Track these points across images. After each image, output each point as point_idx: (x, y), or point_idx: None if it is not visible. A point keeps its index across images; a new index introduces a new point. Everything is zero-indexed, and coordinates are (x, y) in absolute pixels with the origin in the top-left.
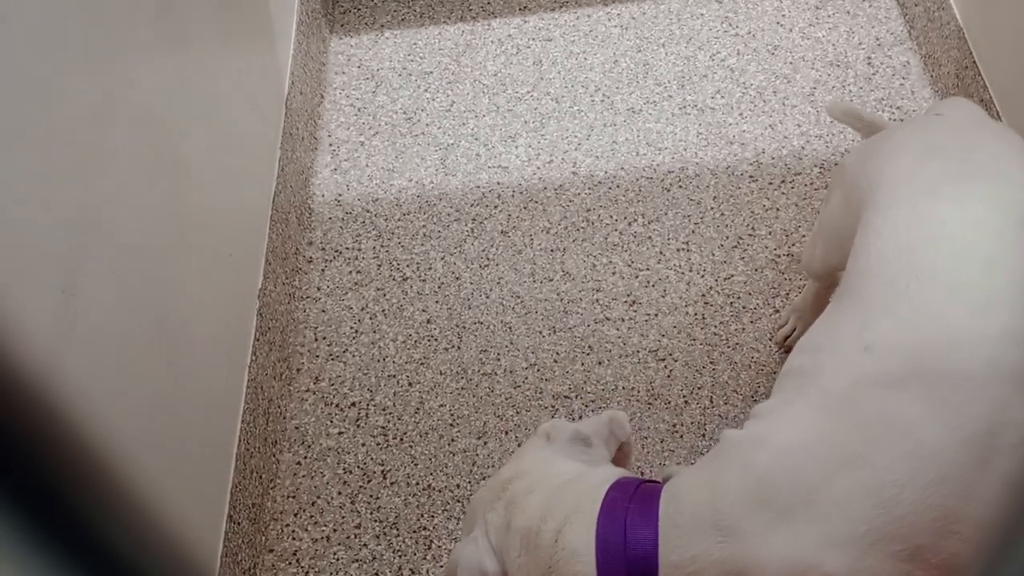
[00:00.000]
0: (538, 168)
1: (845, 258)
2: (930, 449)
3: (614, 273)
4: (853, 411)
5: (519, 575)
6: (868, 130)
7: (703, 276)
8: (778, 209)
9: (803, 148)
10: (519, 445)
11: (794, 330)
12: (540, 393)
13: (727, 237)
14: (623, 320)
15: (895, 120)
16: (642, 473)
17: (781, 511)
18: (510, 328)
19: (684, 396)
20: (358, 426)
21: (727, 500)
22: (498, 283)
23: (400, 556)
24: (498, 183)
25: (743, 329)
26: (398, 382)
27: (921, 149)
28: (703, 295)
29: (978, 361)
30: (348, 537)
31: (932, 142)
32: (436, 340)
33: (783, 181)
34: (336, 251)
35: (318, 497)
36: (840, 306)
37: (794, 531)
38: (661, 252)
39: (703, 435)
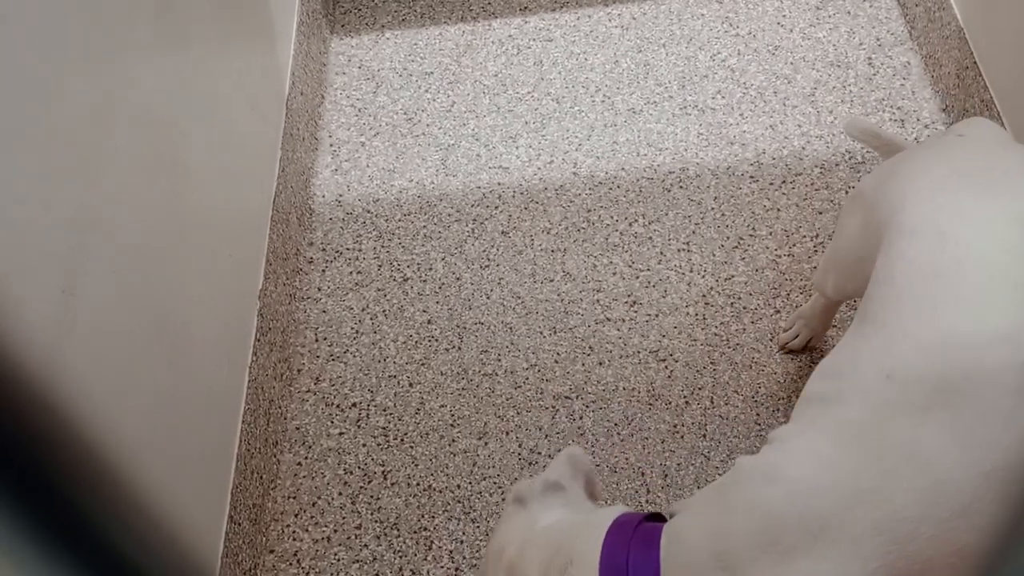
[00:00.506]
0: (539, 168)
1: (861, 284)
2: (950, 484)
3: (615, 274)
4: (871, 443)
5: None
6: (886, 149)
7: (704, 276)
8: (779, 209)
9: (804, 148)
10: (519, 446)
11: (796, 336)
12: (541, 393)
13: (728, 237)
14: (624, 320)
15: (903, 133)
16: (647, 491)
17: (788, 550)
18: (511, 329)
19: (685, 396)
20: (359, 427)
21: (731, 541)
22: (499, 283)
23: (401, 557)
24: (499, 183)
25: (744, 330)
26: (399, 383)
27: (944, 170)
28: (704, 296)
29: (1005, 390)
30: (349, 538)
31: (955, 163)
32: (437, 341)
33: (784, 182)
34: (337, 252)
35: (319, 498)
36: (863, 330)
37: (800, 569)
38: (662, 252)
39: (704, 435)
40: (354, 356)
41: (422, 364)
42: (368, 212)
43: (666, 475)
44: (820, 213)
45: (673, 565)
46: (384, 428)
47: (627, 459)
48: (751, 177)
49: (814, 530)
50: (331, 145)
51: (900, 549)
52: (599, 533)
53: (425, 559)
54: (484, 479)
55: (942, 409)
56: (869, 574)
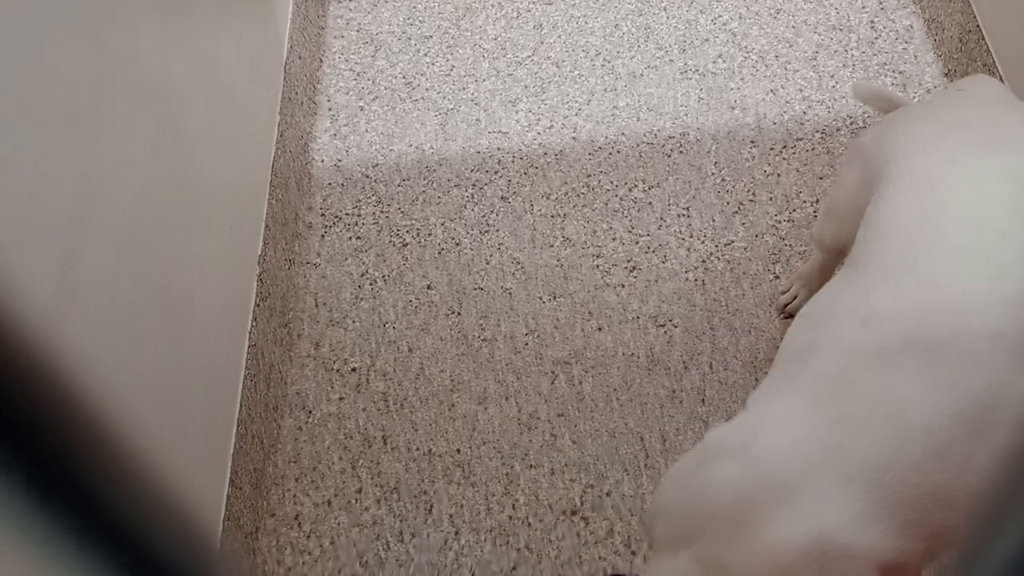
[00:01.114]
0: (538, 133)
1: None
2: (921, 428)
3: (614, 239)
4: (843, 398)
5: None
6: (894, 111)
7: (703, 242)
8: (779, 174)
9: (805, 113)
10: (519, 411)
11: (795, 297)
12: (540, 359)
13: (728, 203)
14: (623, 286)
15: (905, 97)
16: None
17: (757, 523)
18: (510, 294)
19: (684, 361)
20: (359, 392)
21: (702, 527)
22: (498, 249)
23: (401, 520)
24: (498, 148)
25: (743, 295)
26: (398, 348)
27: (941, 123)
28: (703, 261)
29: (982, 332)
30: (349, 502)
31: (952, 116)
32: (436, 306)
33: (784, 146)
34: (336, 217)
35: (319, 462)
36: (845, 276)
37: (768, 532)
38: (661, 218)
39: (702, 400)
40: (354, 321)
41: (422, 329)
42: (367, 177)
43: (665, 440)
44: (821, 178)
45: None
46: (384, 393)
47: (626, 424)
48: (751, 142)
49: (782, 497)
50: (330, 110)
51: (870, 496)
52: None
53: (425, 522)
54: (484, 443)
55: (916, 353)
56: (842, 524)
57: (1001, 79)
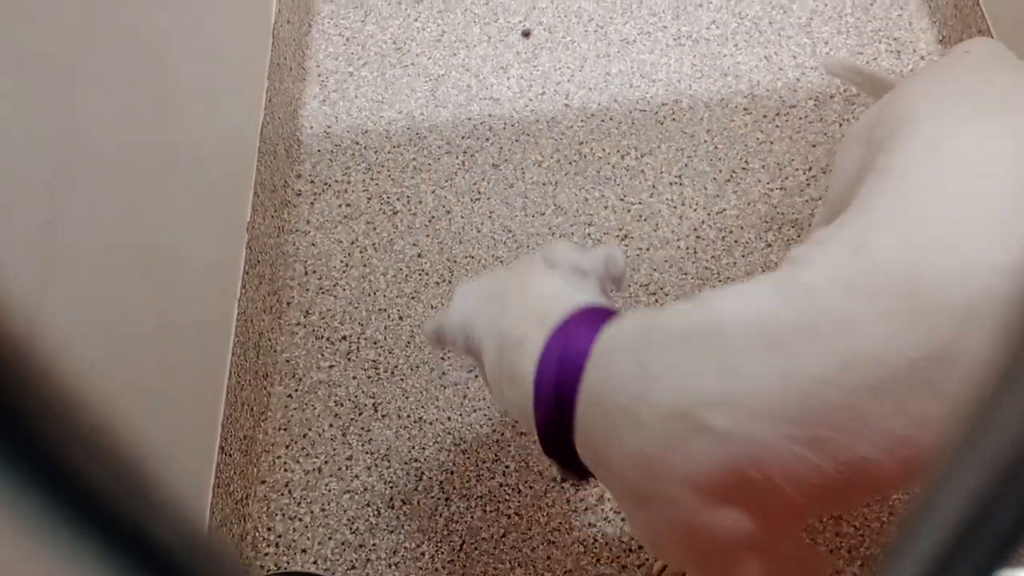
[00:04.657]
0: (530, 100)
1: None
2: (869, 356)
3: (606, 207)
4: (808, 304)
5: (489, 366)
6: (869, 86)
7: (695, 210)
8: (772, 142)
9: (798, 80)
10: None
11: None
12: None
13: (720, 170)
14: None
15: (899, 64)
16: None
17: (690, 362)
18: (501, 262)
19: None
20: (349, 359)
21: (652, 339)
22: (489, 217)
23: (392, 487)
24: (489, 115)
25: (735, 263)
26: (389, 316)
27: (945, 90)
28: (695, 229)
29: (963, 288)
30: (340, 469)
31: (957, 82)
32: (427, 274)
33: (777, 114)
34: (325, 184)
35: (309, 429)
36: (852, 210)
37: (692, 382)
38: (653, 186)
39: None
40: (344, 289)
41: (412, 297)
42: (357, 144)
43: None
44: (814, 146)
45: (605, 342)
46: (374, 361)
47: None
48: (744, 109)
49: (718, 357)
50: (319, 75)
51: (792, 397)
52: (569, 306)
53: (416, 489)
54: (474, 411)
55: (893, 295)
56: (752, 407)
57: None
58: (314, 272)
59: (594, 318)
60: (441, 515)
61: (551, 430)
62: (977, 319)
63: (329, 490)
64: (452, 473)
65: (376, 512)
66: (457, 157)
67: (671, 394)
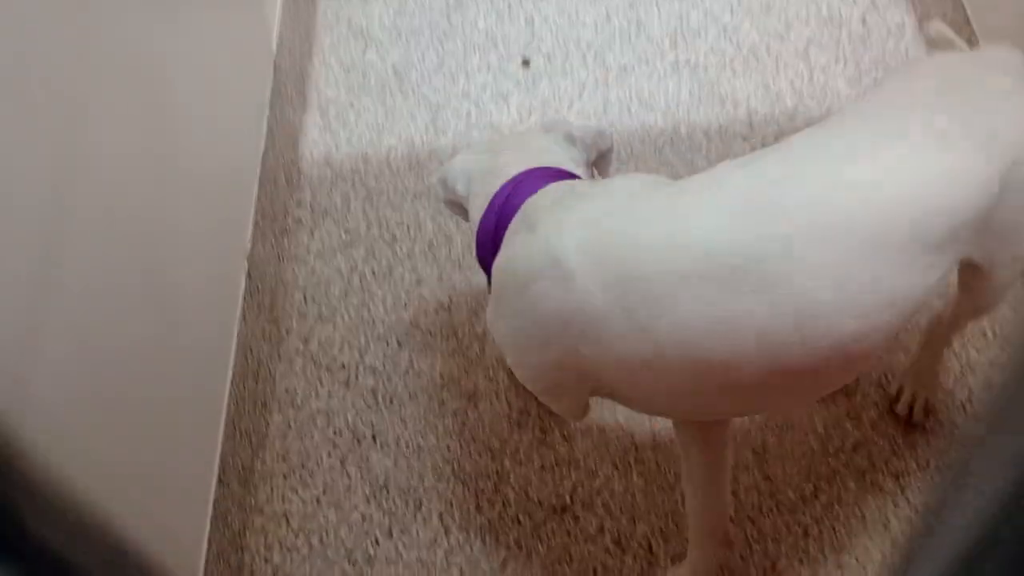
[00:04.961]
0: (529, 127)
1: None
2: (699, 245)
3: None
4: (678, 188)
5: (473, 195)
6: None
7: None
8: None
9: (796, 107)
10: (509, 407)
11: None
12: None
13: None
14: None
15: None
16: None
17: (561, 217)
18: None
19: None
20: (348, 388)
21: (564, 198)
22: None
23: (390, 517)
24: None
25: None
26: (388, 344)
27: (930, 65)
28: None
29: (806, 194)
30: (338, 498)
31: (946, 65)
32: (426, 301)
33: (776, 140)
34: (325, 211)
35: (308, 459)
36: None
37: (557, 232)
38: None
39: None
40: (343, 317)
41: (411, 325)
42: (357, 171)
43: (654, 436)
44: None
45: (526, 208)
46: (373, 389)
47: (616, 420)
48: (743, 137)
49: (591, 220)
50: (320, 104)
51: (615, 269)
52: (541, 160)
53: (415, 519)
54: (474, 440)
55: (744, 193)
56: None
57: None
58: (313, 300)
59: (555, 175)
60: (440, 546)
61: (486, 239)
62: (816, 227)
63: (328, 520)
64: (451, 503)
65: (375, 542)
66: None
67: (551, 236)
